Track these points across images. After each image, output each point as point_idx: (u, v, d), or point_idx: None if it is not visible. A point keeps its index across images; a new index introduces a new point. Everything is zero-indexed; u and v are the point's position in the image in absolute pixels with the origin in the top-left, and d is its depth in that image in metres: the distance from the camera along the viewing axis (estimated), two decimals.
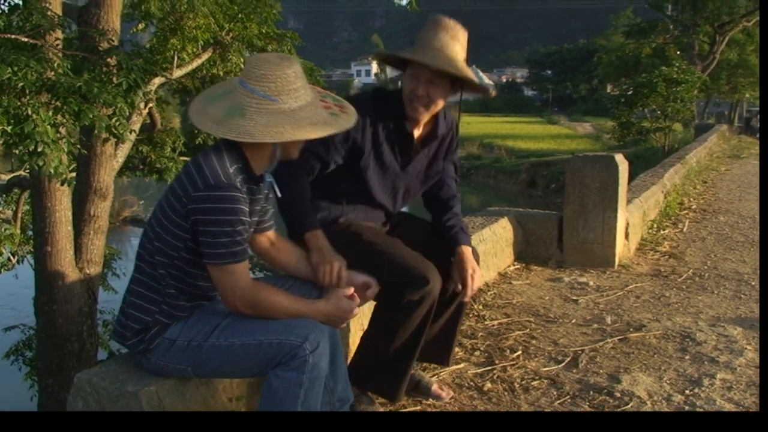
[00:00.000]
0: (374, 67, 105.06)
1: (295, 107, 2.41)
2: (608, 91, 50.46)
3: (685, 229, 7.85)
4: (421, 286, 2.91)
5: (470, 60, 3.15)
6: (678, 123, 27.26)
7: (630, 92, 26.59)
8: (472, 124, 54.38)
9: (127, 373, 2.53)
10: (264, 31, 11.42)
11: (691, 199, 10.09)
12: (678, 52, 33.72)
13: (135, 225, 26.96)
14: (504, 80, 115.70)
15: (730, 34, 36.73)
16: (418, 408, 3.27)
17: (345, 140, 2.99)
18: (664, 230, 7.63)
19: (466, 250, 3.20)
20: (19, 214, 10.31)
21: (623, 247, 6.21)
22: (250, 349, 2.41)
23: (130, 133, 7.10)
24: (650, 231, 7.41)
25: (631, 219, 6.52)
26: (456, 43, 2.96)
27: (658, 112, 25.64)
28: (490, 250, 5.36)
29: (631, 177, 7.51)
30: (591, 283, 5.44)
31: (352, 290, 2.69)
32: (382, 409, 3.14)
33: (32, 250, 8.06)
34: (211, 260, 2.37)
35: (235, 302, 2.40)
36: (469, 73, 2.97)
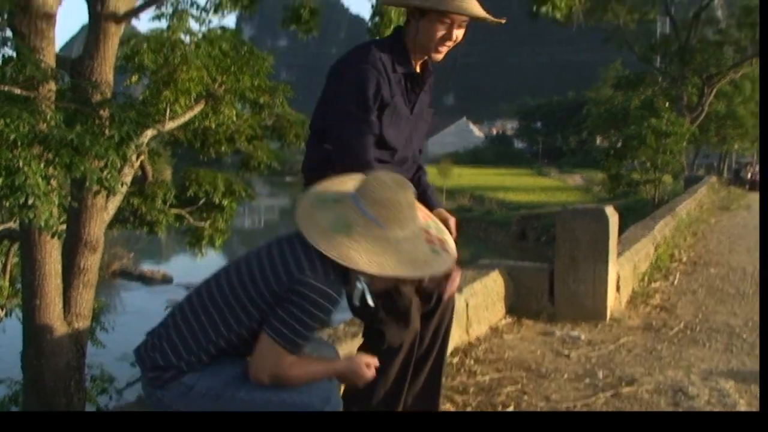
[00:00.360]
0: None
1: (401, 237, 2.41)
2: (598, 143, 50.86)
3: (675, 282, 7.85)
4: (402, 328, 2.90)
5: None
6: (668, 175, 27.48)
7: (619, 144, 26.85)
8: (464, 176, 54.67)
9: None
10: (256, 83, 11.53)
11: (682, 252, 10.11)
12: (667, 104, 34.05)
13: (125, 278, 26.85)
14: (494, 132, 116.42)
15: (718, 86, 37.15)
16: None
17: (375, 97, 2.94)
18: (655, 283, 7.63)
19: (443, 212, 3.13)
20: (8, 266, 10.27)
21: (614, 300, 6.20)
22: (271, 406, 2.38)
23: (122, 185, 7.11)
24: (641, 283, 7.40)
25: (622, 272, 6.52)
26: None
27: (648, 164, 25.87)
28: (481, 303, 5.35)
29: (622, 229, 7.53)
30: (583, 336, 5.41)
31: (374, 360, 2.64)
32: None
33: (20, 302, 8.00)
34: (271, 332, 2.33)
35: (261, 377, 2.36)
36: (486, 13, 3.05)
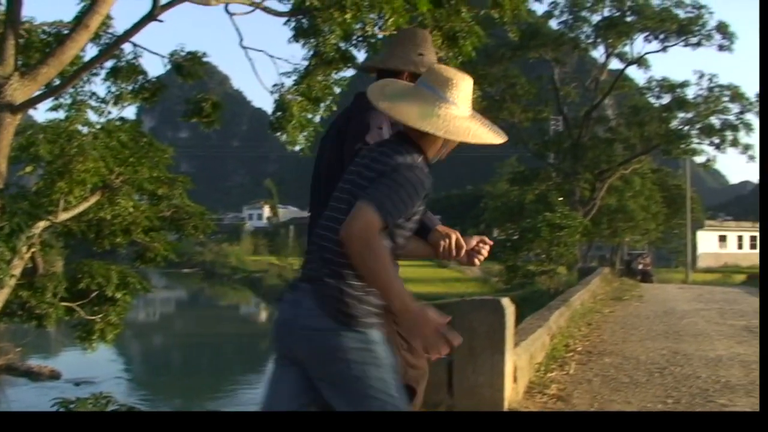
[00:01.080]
0: (266, 211, 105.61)
1: (470, 114, 2.76)
2: (495, 235, 51.91)
3: (571, 371, 7.96)
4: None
5: None
6: (562, 266, 28.19)
7: (516, 237, 27.50)
8: None
9: None
10: (155, 175, 11.45)
11: (577, 341, 10.27)
12: (560, 198, 35.21)
13: (10, 374, 25.56)
14: None
15: (609, 181, 38.73)
16: None
17: None
18: (551, 373, 7.72)
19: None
20: None
21: (512, 391, 6.23)
22: (373, 397, 2.62)
23: (10, 278, 6.88)
24: (538, 374, 7.47)
25: (519, 362, 6.58)
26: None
27: (543, 256, 26.52)
28: None
29: (519, 320, 7.63)
30: None
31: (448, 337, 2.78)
32: None
33: None
34: (367, 197, 2.49)
35: (352, 233, 2.43)
36: None
